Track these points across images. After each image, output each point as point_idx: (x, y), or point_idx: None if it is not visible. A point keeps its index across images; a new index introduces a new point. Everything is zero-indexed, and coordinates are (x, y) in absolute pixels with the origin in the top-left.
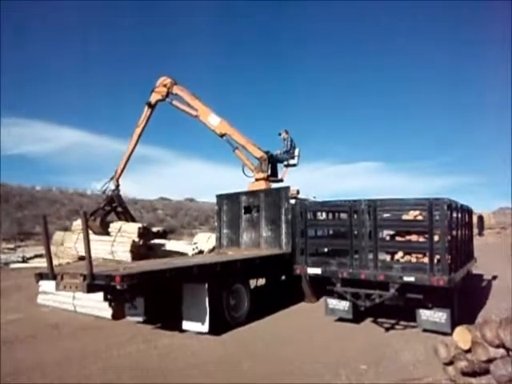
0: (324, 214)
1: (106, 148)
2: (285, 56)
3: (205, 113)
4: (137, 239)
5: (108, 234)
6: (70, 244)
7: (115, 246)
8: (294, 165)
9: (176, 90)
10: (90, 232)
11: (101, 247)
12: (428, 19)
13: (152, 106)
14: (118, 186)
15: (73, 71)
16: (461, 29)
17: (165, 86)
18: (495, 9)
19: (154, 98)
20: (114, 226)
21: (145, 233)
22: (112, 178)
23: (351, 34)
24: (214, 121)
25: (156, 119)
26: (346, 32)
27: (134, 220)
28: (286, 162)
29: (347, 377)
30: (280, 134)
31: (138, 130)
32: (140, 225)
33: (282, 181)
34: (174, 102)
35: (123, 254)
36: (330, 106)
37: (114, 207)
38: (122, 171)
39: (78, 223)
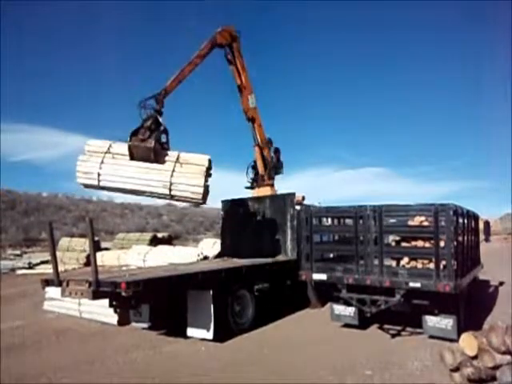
0: (329, 220)
1: None
2: (289, 60)
3: (248, 89)
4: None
5: (157, 162)
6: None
7: (175, 178)
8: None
9: (236, 47)
10: (130, 159)
11: (156, 178)
12: (434, 24)
13: (211, 48)
14: (162, 107)
15: (80, 78)
16: (467, 33)
17: (230, 34)
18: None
19: (219, 39)
20: (171, 154)
21: (210, 167)
22: (158, 95)
23: (355, 40)
24: (251, 102)
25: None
26: (350, 37)
27: None
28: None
29: (353, 383)
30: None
31: (198, 61)
32: (208, 156)
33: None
34: (229, 57)
35: (188, 187)
36: (335, 112)
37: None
38: (173, 89)
39: (94, 143)
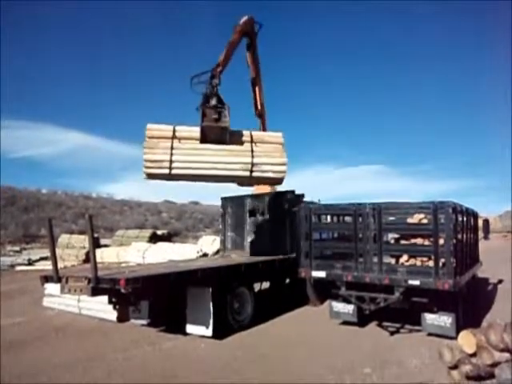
0: (329, 218)
1: (112, 151)
2: (289, 59)
3: (260, 83)
4: None
5: (231, 143)
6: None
7: (257, 158)
8: None
9: (255, 38)
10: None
11: (235, 160)
12: (434, 24)
13: (242, 36)
14: (219, 83)
15: (80, 75)
16: (467, 33)
17: (252, 24)
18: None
19: (246, 27)
20: (245, 134)
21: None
22: (213, 70)
23: (356, 41)
24: (262, 97)
25: (159, 120)
26: (351, 38)
27: None
28: None
29: (352, 381)
30: None
31: (231, 48)
32: (281, 132)
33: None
34: (249, 48)
35: (271, 167)
36: (335, 111)
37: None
38: (225, 67)
39: (156, 128)
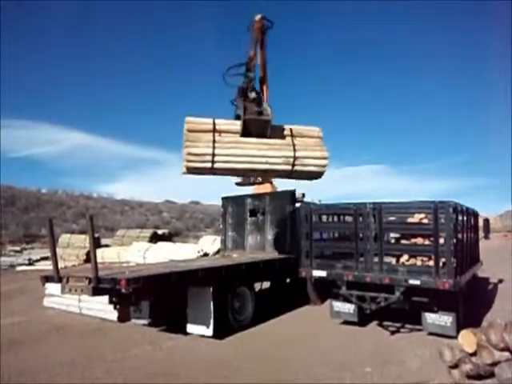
0: (329, 217)
1: (112, 150)
2: (290, 58)
3: (267, 81)
4: None
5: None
6: None
7: (299, 152)
8: None
9: (265, 37)
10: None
11: (278, 154)
12: (434, 23)
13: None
14: (254, 77)
15: (81, 74)
16: (467, 32)
17: (262, 23)
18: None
19: (261, 25)
20: (285, 128)
21: None
22: (246, 63)
23: (356, 41)
24: (268, 95)
25: (159, 120)
26: (351, 36)
27: None
28: None
29: (352, 380)
30: None
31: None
32: (318, 128)
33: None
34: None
35: (313, 161)
36: (335, 110)
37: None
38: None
39: (196, 121)
